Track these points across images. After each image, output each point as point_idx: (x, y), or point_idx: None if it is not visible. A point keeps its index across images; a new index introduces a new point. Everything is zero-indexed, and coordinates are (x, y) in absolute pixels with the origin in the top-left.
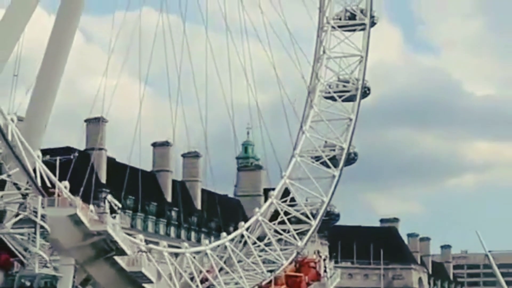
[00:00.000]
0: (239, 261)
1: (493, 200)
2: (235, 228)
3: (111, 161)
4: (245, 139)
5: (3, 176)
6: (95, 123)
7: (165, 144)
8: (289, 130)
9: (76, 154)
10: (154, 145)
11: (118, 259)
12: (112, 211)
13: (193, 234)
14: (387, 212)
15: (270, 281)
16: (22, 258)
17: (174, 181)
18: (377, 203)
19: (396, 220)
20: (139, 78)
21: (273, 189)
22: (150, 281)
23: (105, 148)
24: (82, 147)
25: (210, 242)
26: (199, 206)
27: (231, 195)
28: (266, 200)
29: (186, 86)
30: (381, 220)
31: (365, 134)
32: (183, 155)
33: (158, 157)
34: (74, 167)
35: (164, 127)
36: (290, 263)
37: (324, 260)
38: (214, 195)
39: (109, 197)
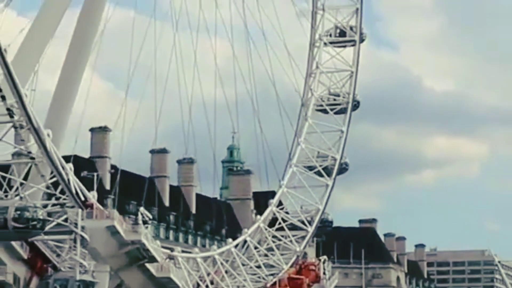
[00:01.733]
0: (243, 265)
1: (452, 195)
2: (228, 231)
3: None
4: (230, 143)
5: (41, 186)
6: (99, 132)
7: (163, 151)
8: (286, 139)
9: (113, 170)
10: (152, 152)
11: (148, 266)
12: (144, 222)
13: (190, 237)
14: (347, 209)
15: (274, 283)
16: (56, 263)
17: (171, 186)
18: (339, 200)
19: (374, 220)
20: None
21: (262, 192)
22: (177, 286)
23: (109, 156)
24: (86, 154)
25: (204, 245)
26: (194, 210)
27: (217, 197)
28: (255, 203)
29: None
30: (360, 221)
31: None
32: (178, 161)
33: (156, 163)
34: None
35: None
36: (291, 266)
37: (324, 262)
38: (206, 199)
39: (142, 209)
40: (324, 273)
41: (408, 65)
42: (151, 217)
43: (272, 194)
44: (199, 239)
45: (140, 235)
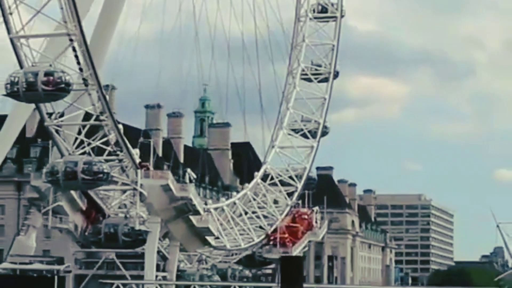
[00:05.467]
0: (245, 213)
1: (374, 135)
2: (211, 179)
3: None
4: (202, 95)
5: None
6: (105, 89)
7: (157, 106)
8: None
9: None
10: (147, 107)
11: (191, 217)
12: (190, 180)
13: None
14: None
15: (274, 231)
16: (106, 211)
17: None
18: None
19: (331, 168)
20: None
21: (240, 143)
22: (213, 234)
23: (115, 112)
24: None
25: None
26: (182, 160)
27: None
28: (233, 154)
29: None
30: (317, 168)
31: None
32: (168, 115)
33: (151, 117)
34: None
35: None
36: (286, 216)
37: (316, 213)
38: (191, 149)
39: (189, 170)
40: (315, 222)
41: None
42: (195, 176)
43: (247, 145)
44: None
45: (188, 192)
